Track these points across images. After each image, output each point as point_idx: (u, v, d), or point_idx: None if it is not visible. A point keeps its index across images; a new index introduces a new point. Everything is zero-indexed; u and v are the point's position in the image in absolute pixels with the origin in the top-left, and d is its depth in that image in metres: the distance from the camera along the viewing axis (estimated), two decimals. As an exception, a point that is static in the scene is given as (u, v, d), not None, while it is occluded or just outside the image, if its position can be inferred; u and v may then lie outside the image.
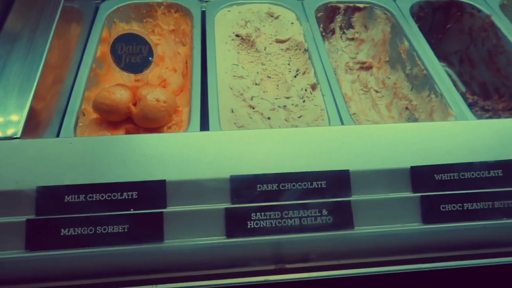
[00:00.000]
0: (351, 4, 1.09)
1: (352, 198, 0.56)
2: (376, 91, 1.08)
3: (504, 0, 1.12)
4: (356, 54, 1.15)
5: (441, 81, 0.88)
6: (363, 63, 1.12)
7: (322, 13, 1.09)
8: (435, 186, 0.58)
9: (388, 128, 0.66)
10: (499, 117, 0.99)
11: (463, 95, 1.13)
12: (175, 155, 0.59)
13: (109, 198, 0.54)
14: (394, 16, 1.05)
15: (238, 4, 1.05)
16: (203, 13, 1.03)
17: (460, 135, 0.64)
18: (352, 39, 1.15)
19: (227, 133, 0.67)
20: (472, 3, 1.10)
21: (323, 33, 1.13)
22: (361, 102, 1.07)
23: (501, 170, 0.59)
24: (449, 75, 1.21)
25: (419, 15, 1.13)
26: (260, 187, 0.56)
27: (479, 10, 1.09)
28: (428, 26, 1.17)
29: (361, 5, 1.10)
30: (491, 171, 0.59)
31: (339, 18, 1.11)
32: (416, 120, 0.94)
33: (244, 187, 0.56)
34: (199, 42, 0.93)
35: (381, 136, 0.64)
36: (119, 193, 0.54)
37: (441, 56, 1.23)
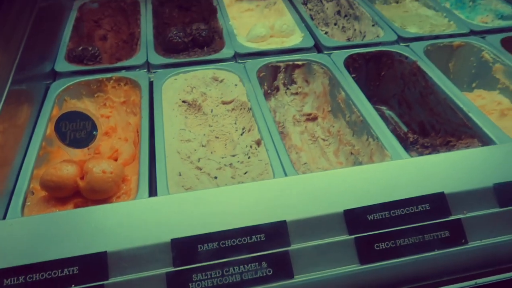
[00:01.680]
0: (290, 62, 1.18)
1: (291, 247, 0.58)
2: (323, 140, 1.13)
3: (428, 46, 1.24)
4: (301, 107, 1.21)
5: (376, 126, 0.94)
6: (309, 114, 1.19)
7: (264, 73, 1.16)
8: (368, 226, 0.61)
9: (322, 175, 0.70)
10: (437, 152, 1.06)
11: (405, 134, 1.21)
12: (117, 225, 0.60)
13: (49, 277, 0.54)
14: (330, 70, 1.13)
15: (184, 72, 1.11)
16: (152, 83, 1.08)
17: (389, 175, 0.68)
18: (296, 93, 1.22)
19: (169, 197, 0.69)
20: (399, 51, 1.21)
21: (269, 91, 1.21)
22: (311, 151, 1.12)
23: (428, 204, 0.63)
24: (391, 117, 1.29)
25: (354, 66, 1.23)
26: (201, 247, 0.58)
27: (406, 57, 1.19)
28: (364, 74, 1.26)
29: (300, 62, 1.18)
30: (419, 206, 0.63)
31: (281, 76, 1.19)
32: (360, 163, 0.99)
33: (185, 249, 0.57)
34: (147, 111, 0.98)
35: (316, 184, 0.67)
36: (59, 270, 0.55)
37: (382, 100, 1.32)
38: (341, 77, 1.10)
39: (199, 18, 1.51)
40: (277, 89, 1.21)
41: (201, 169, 0.84)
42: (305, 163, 1.09)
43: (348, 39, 1.47)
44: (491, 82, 1.22)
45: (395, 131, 1.23)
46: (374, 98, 1.33)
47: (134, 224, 0.60)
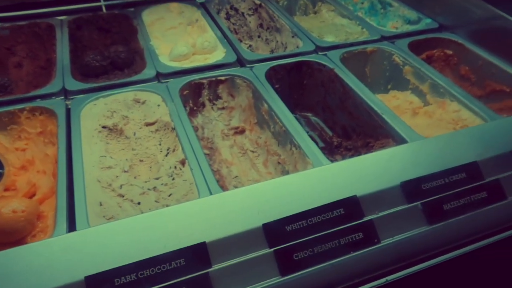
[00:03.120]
0: (213, 78, 1.19)
1: (212, 269, 0.58)
2: (252, 152, 1.15)
3: (344, 54, 1.30)
4: (229, 121, 1.22)
5: (297, 134, 0.97)
6: (236, 128, 1.20)
7: (188, 91, 1.16)
8: (287, 237, 0.62)
9: (242, 191, 0.71)
10: (359, 154, 1.11)
11: (330, 139, 1.26)
12: (26, 268, 0.57)
13: None
14: (252, 83, 1.16)
15: (104, 96, 1.08)
16: (69, 111, 1.04)
17: (305, 184, 0.71)
18: (223, 108, 1.23)
19: (88, 231, 0.67)
20: (317, 60, 1.26)
21: (195, 108, 1.21)
22: (241, 164, 1.13)
23: (342, 209, 0.66)
24: (317, 123, 1.34)
25: (276, 77, 1.26)
26: (118, 281, 0.56)
27: (324, 66, 1.24)
28: (288, 84, 1.30)
29: (223, 78, 1.19)
30: (334, 211, 0.65)
31: (205, 92, 1.20)
32: (287, 172, 1.02)
33: (100, 285, 0.55)
34: (64, 141, 0.94)
35: (237, 200, 0.68)
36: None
37: (307, 107, 1.37)
38: (263, 89, 1.13)
39: (120, 39, 1.48)
40: (203, 105, 1.21)
41: (123, 196, 0.81)
42: (236, 177, 1.10)
43: (272, 51, 1.51)
44: (403, 83, 1.31)
45: (321, 136, 1.28)
46: (299, 105, 1.38)
47: (46, 265, 0.57)
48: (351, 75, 1.20)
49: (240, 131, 1.19)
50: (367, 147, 1.10)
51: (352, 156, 1.12)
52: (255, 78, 1.17)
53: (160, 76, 1.17)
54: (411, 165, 0.75)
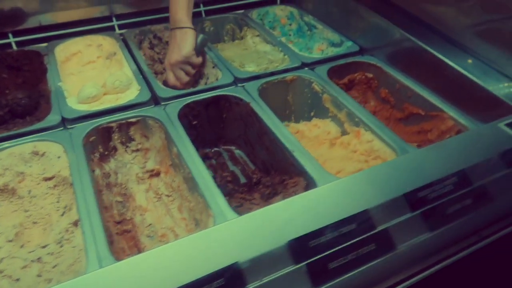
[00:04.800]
0: (123, 121, 1.13)
1: None
2: (167, 196, 1.10)
3: (263, 85, 1.28)
4: (145, 164, 1.17)
5: (202, 182, 0.93)
6: (152, 170, 1.15)
7: (95, 137, 1.10)
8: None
9: (137, 260, 0.66)
10: (276, 191, 1.09)
11: (252, 173, 1.23)
12: None
13: None
14: (163, 124, 1.11)
15: (-1, 150, 1.01)
16: (-42, 170, 0.96)
17: (196, 247, 0.67)
18: (137, 150, 1.18)
19: None
20: (234, 94, 1.23)
21: (106, 153, 1.15)
22: (156, 210, 1.09)
23: (222, 279, 0.62)
24: (240, 157, 1.31)
25: (192, 114, 1.22)
26: None
27: (241, 99, 1.22)
28: (207, 119, 1.27)
29: (133, 119, 1.14)
30: (214, 283, 0.62)
31: (115, 136, 1.14)
32: (197, 220, 0.98)
33: None
34: None
35: (129, 272, 0.64)
36: None
37: (230, 140, 1.34)
38: (174, 131, 1.09)
39: (33, 77, 1.40)
40: (115, 149, 1.16)
41: (2, 272, 0.75)
42: (149, 225, 1.05)
43: (195, 82, 1.47)
44: (324, 111, 1.31)
45: (243, 171, 1.25)
46: (223, 139, 1.35)
47: None
48: (267, 109, 1.17)
49: (155, 174, 1.15)
50: (283, 184, 1.07)
51: (269, 194, 1.10)
52: (166, 118, 1.13)
53: (66, 122, 1.11)
54: (304, 219, 0.73)
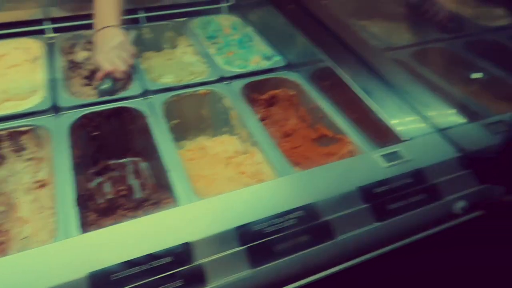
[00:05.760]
0: (12, 130, 1.12)
1: None
2: (49, 209, 1.08)
3: (173, 97, 1.26)
4: (36, 174, 1.16)
5: (62, 201, 0.91)
6: (41, 181, 1.13)
7: (-19, 144, 1.09)
8: None
9: None
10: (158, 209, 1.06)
11: (148, 187, 1.20)
12: None
13: None
14: (51, 135, 1.09)
15: None
16: None
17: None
18: (31, 159, 1.17)
19: None
20: (135, 106, 1.21)
21: (-4, 161, 1.13)
22: (37, 222, 1.07)
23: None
24: (144, 169, 1.28)
25: (92, 125, 1.20)
26: None
27: (141, 112, 1.19)
28: (109, 130, 1.24)
29: (24, 128, 1.13)
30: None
31: (5, 144, 1.13)
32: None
33: None
34: None
35: None
36: None
37: (137, 152, 1.31)
38: (59, 143, 1.07)
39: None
40: (4, 157, 1.14)
41: None
42: (25, 238, 1.04)
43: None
44: (233, 128, 1.28)
45: (143, 185, 1.23)
46: (130, 150, 1.32)
47: None
48: (162, 125, 1.15)
49: (43, 185, 1.13)
50: (163, 203, 1.05)
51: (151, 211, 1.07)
52: (58, 128, 1.11)
53: (-44, 128, 1.10)
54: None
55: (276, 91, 1.40)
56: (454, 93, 1.33)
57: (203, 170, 1.12)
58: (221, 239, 0.73)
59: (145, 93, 1.26)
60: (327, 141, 1.24)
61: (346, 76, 1.19)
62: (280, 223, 0.76)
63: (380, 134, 1.07)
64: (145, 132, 1.18)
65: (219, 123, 1.32)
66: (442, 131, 1.01)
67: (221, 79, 1.35)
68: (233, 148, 1.20)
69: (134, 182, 1.24)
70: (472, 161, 0.92)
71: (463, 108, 1.13)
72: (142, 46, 1.54)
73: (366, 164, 0.90)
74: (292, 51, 1.44)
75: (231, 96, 1.27)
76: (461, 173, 0.90)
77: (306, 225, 0.76)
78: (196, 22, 1.72)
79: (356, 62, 1.24)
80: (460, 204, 0.85)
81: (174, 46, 1.68)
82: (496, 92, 1.41)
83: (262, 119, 1.34)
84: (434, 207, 0.84)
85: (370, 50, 1.32)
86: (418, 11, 1.75)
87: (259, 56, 1.55)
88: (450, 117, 1.06)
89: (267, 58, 1.52)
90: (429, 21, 1.70)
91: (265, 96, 1.39)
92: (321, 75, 1.31)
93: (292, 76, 1.38)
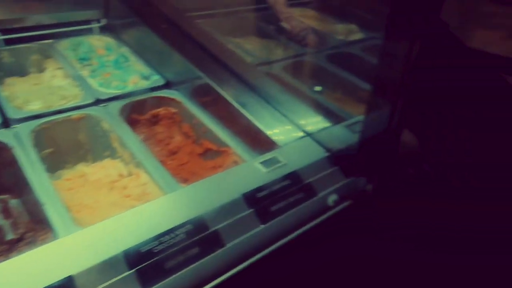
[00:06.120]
0: None
1: None
2: None
3: (42, 125, 1.16)
4: None
5: None
6: None
7: None
8: None
9: None
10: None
11: (22, 226, 1.09)
12: None
13: None
14: None
15: None
16: None
17: None
18: None
19: None
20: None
21: None
22: None
23: None
24: (16, 207, 1.16)
25: None
26: None
27: (5, 144, 1.08)
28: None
29: None
30: None
31: None
32: None
33: None
34: None
35: None
36: None
37: (5, 188, 1.18)
38: None
39: None
40: None
41: None
42: None
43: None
44: (115, 151, 1.23)
45: (14, 224, 1.10)
46: (-3, 188, 1.18)
47: None
48: (32, 155, 1.05)
49: None
50: (40, 239, 0.96)
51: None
52: None
53: None
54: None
55: (158, 110, 1.39)
56: (320, 100, 1.49)
57: (85, 198, 1.06)
58: (108, 266, 0.70)
59: (8, 123, 1.15)
60: (212, 155, 1.27)
61: (223, 91, 1.24)
62: (168, 240, 0.76)
63: (259, 142, 1.14)
64: (13, 165, 1.07)
65: (98, 147, 1.26)
66: (312, 135, 1.12)
67: (97, 102, 1.30)
68: (116, 171, 1.15)
69: (3, 222, 1.11)
70: (338, 159, 1.04)
71: (328, 113, 1.27)
72: (1, 71, 1.40)
73: (248, 171, 0.96)
74: (170, 69, 1.46)
75: (110, 119, 1.23)
76: (330, 170, 1.01)
77: (195, 237, 0.78)
78: (66, 43, 1.63)
79: (232, 77, 1.30)
80: (332, 198, 0.96)
81: (41, 70, 1.56)
82: (354, 96, 1.62)
83: (146, 140, 1.32)
84: (311, 203, 0.93)
85: (245, 66, 1.41)
86: (285, 30, 1.92)
87: (137, 76, 1.53)
88: (317, 122, 1.18)
89: (146, 77, 1.51)
90: (295, 37, 1.88)
91: (146, 116, 1.38)
92: (200, 92, 1.34)
93: (172, 94, 1.39)
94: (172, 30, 1.53)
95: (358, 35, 2.14)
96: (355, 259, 1.13)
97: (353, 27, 2.20)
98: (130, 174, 1.14)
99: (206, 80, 1.31)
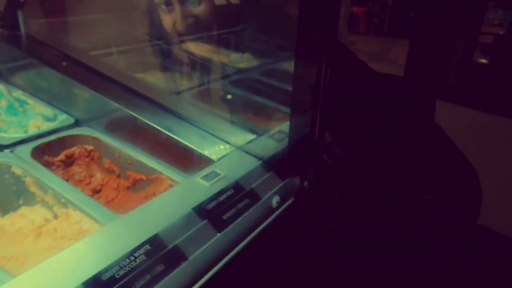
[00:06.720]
0: None
1: None
2: None
3: None
4: None
5: None
6: None
7: None
8: None
9: None
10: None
11: None
12: None
13: None
14: None
15: None
16: None
17: None
18: None
19: None
20: None
21: None
22: None
23: None
24: None
25: None
26: None
27: None
28: None
29: None
30: None
31: None
32: None
33: None
34: None
35: None
36: None
37: None
38: None
39: None
40: None
41: None
42: None
43: None
44: (32, 197, 1.11)
45: None
46: None
47: None
48: None
49: None
50: None
51: None
52: None
53: None
54: None
55: (72, 150, 1.31)
56: (237, 118, 1.56)
57: (7, 251, 0.93)
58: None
59: None
60: (143, 185, 1.23)
61: (145, 119, 1.23)
62: (129, 263, 0.72)
63: (192, 162, 1.15)
64: None
65: (11, 196, 1.13)
66: (241, 147, 1.18)
67: (1, 148, 1.17)
68: (39, 217, 1.04)
69: None
70: (270, 165, 1.11)
71: (247, 128, 1.34)
72: None
73: (191, 187, 0.96)
74: (79, 106, 1.39)
75: (20, 163, 1.12)
76: (267, 175, 1.07)
77: (157, 255, 0.75)
78: None
79: (150, 104, 1.30)
80: (275, 199, 1.01)
81: None
82: (264, 114, 1.73)
83: (64, 181, 1.22)
84: (257, 207, 0.97)
85: (160, 92, 1.41)
86: (178, 61, 1.98)
87: (39, 118, 1.42)
88: (242, 136, 1.24)
89: (50, 119, 1.41)
90: (192, 68, 1.95)
91: (60, 158, 1.28)
92: (118, 124, 1.30)
93: (86, 131, 1.32)
94: (74, 67, 1.46)
95: (254, 62, 2.30)
96: (297, 257, 1.19)
97: (248, 55, 2.36)
98: (58, 216, 1.04)
99: (123, 111, 1.28)
